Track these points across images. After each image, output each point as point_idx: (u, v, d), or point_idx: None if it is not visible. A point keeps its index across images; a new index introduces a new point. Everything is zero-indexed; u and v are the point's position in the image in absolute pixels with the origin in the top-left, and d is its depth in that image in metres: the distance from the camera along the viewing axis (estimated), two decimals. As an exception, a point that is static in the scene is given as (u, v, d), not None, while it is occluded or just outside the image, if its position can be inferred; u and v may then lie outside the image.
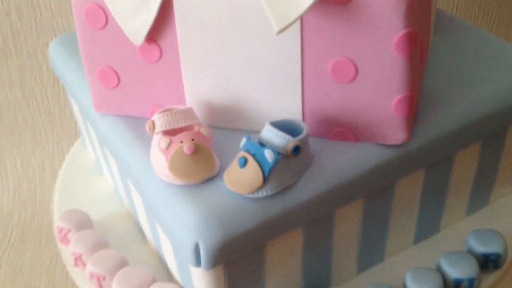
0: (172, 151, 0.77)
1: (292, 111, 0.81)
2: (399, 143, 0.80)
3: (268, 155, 0.73)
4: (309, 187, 0.77)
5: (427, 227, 0.96)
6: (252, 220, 0.74)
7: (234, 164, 0.75)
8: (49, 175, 1.49)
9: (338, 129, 0.81)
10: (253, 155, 0.74)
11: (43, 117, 1.56)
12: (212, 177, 0.74)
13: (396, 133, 0.79)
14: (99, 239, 0.96)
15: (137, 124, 0.87)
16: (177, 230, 0.75)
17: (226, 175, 0.76)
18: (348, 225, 0.86)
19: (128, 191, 0.96)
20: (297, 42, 0.75)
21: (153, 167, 0.80)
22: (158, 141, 0.78)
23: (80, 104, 0.99)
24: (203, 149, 0.78)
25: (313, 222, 0.80)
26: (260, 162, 0.74)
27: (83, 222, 1.00)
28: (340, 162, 0.79)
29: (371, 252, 0.92)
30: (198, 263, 0.74)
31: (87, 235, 0.96)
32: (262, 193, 0.74)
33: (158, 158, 0.79)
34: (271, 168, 0.74)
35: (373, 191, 0.83)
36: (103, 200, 1.09)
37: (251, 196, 0.74)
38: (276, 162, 0.74)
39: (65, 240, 0.99)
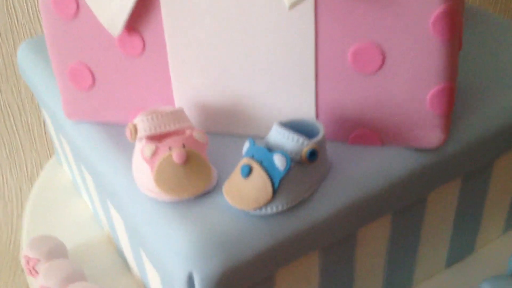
0: (158, 160, 0.63)
1: (304, 110, 0.67)
2: (434, 146, 0.66)
3: (279, 161, 0.59)
4: (328, 202, 0.63)
5: (461, 247, 0.83)
6: (259, 243, 0.60)
7: (236, 174, 0.61)
8: (27, 197, 1.33)
9: (360, 130, 0.67)
10: (260, 162, 0.60)
11: (20, 133, 1.41)
12: (208, 191, 0.64)
13: (432, 134, 0.66)
14: (73, 270, 0.81)
15: (116, 133, 0.74)
16: (166, 258, 0.61)
17: (226, 188, 0.62)
18: (372, 246, 0.72)
19: (108, 213, 0.82)
20: (310, 24, 0.62)
21: (136, 181, 0.66)
22: (141, 148, 0.64)
23: (51, 112, 0.84)
24: (196, 157, 0.63)
25: (332, 244, 0.66)
26: (268, 170, 0.59)
27: (55, 250, 0.85)
28: (363, 171, 0.66)
29: (398, 279, 0.78)
30: (193, 298, 0.59)
31: (59, 266, 0.81)
32: (271, 209, 0.60)
33: (142, 170, 0.64)
34: (282, 178, 0.60)
35: (402, 205, 0.69)
36: (80, 225, 0.95)
37: (258, 213, 0.60)
38: (288, 171, 0.59)
39: (34, 271, 0.84)
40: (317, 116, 0.68)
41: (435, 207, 0.74)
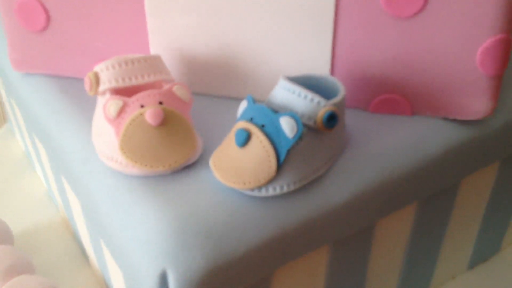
0: (126, 120, 0.48)
1: (315, 65, 0.52)
2: (479, 117, 0.52)
3: (287, 126, 0.44)
4: (344, 184, 0.49)
5: (487, 245, 0.69)
6: (256, 234, 0.45)
7: (229, 143, 0.46)
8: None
9: (386, 95, 0.53)
10: (261, 127, 0.45)
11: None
12: (190, 164, 0.48)
13: (478, 102, 0.52)
14: (19, 260, 0.67)
15: (74, 88, 0.59)
16: (132, 251, 0.46)
17: (214, 160, 0.47)
18: (391, 242, 0.58)
19: (62, 191, 0.66)
20: None
21: (96, 149, 0.50)
22: (104, 105, 0.48)
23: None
24: (176, 118, 0.48)
25: (345, 238, 0.52)
26: (272, 137, 0.45)
27: (1, 235, 0.69)
28: (387, 147, 0.52)
29: (414, 280, 0.64)
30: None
31: (2, 253, 0.65)
32: (273, 190, 0.45)
33: (104, 133, 0.49)
34: (290, 149, 0.45)
35: (431, 192, 0.55)
36: (32, 205, 0.80)
37: (256, 194, 0.45)
38: (299, 139, 0.45)
39: (-30, 261, 0.68)
40: (332, 73, 0.53)
41: (467, 196, 0.61)
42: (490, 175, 0.61)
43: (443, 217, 0.61)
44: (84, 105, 0.57)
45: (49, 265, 0.71)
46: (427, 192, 0.55)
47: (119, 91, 0.51)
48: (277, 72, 0.54)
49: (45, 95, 0.60)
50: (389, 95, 0.53)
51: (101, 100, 0.51)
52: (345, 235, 0.51)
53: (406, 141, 0.52)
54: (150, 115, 0.48)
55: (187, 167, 0.49)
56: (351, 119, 0.53)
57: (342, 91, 0.48)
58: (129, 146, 0.48)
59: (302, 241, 0.48)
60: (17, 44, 0.60)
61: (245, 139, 0.45)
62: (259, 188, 0.45)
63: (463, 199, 0.60)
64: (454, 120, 0.54)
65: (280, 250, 0.47)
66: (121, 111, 0.49)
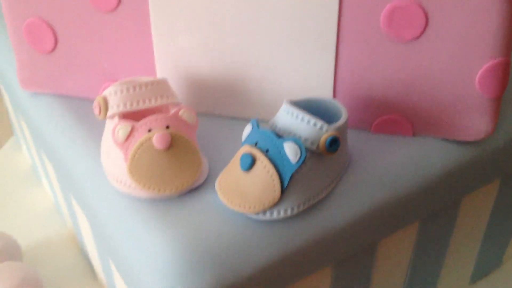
0: (134, 144, 0.49)
1: (318, 87, 0.53)
2: (479, 138, 0.53)
3: (291, 151, 0.45)
4: (347, 204, 0.50)
5: (489, 259, 0.70)
6: (262, 256, 0.46)
7: (234, 166, 0.47)
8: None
9: (387, 116, 0.54)
10: (265, 152, 0.46)
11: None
12: (197, 187, 0.50)
13: (478, 123, 0.53)
14: (27, 275, 0.68)
15: (82, 108, 0.60)
16: (140, 272, 0.47)
17: (220, 184, 0.48)
18: (393, 260, 0.59)
19: (71, 208, 0.67)
20: (335, -25, 0.48)
21: (105, 171, 0.52)
22: (113, 129, 0.50)
23: (6, 83, 0.69)
24: (183, 142, 0.49)
25: (348, 257, 0.53)
26: (276, 162, 0.46)
27: (7, 251, 0.71)
28: (389, 168, 0.53)
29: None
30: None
31: (10, 269, 0.67)
32: (278, 213, 0.46)
33: (113, 157, 0.50)
34: (294, 173, 0.46)
35: (432, 211, 0.55)
36: (39, 218, 0.82)
37: (261, 217, 0.46)
38: (302, 164, 0.46)
39: (-21, 276, 0.69)
40: (334, 95, 0.54)
41: (468, 213, 0.62)
42: (491, 193, 0.62)
43: (445, 235, 0.62)
44: (92, 125, 0.58)
45: (57, 280, 0.73)
46: (429, 211, 0.56)
47: (127, 115, 0.52)
48: (280, 93, 0.55)
49: (54, 115, 0.61)
50: (390, 116, 0.54)
51: (109, 124, 0.52)
52: (348, 255, 0.52)
53: (408, 161, 0.53)
54: (157, 140, 0.49)
55: (194, 190, 0.50)
56: (353, 139, 0.54)
57: (344, 115, 0.49)
58: (137, 170, 0.49)
59: (306, 263, 0.49)
60: (25, 64, 0.62)
61: (250, 163, 0.46)
62: (264, 211, 0.46)
63: (464, 216, 0.61)
64: (455, 140, 0.55)
65: (285, 271, 0.48)
66: (129, 135, 0.50)
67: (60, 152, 0.59)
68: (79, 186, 0.56)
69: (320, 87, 0.54)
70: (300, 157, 0.46)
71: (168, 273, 0.45)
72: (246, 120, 0.56)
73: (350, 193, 0.51)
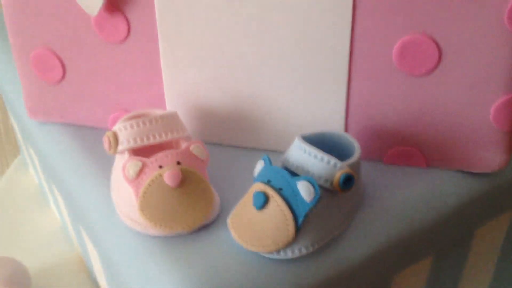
0: (145, 181, 0.48)
1: (330, 119, 0.53)
2: (493, 170, 0.53)
3: (305, 190, 0.45)
4: (362, 241, 0.50)
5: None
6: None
7: (247, 204, 0.47)
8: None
9: (400, 148, 0.53)
10: (279, 191, 0.45)
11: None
12: (208, 224, 0.49)
13: (491, 155, 0.52)
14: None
15: (91, 138, 0.59)
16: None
17: (233, 221, 0.48)
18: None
19: (79, 235, 0.67)
20: (345, 7, 0.47)
21: (116, 207, 0.51)
22: (123, 166, 0.49)
23: (13, 109, 0.69)
24: (194, 178, 0.49)
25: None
26: (290, 201, 0.45)
27: (16, 276, 0.70)
28: (403, 200, 0.52)
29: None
30: None
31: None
32: (292, 253, 0.46)
33: (123, 193, 0.50)
34: (308, 212, 0.45)
35: (447, 243, 0.55)
36: (46, 242, 0.80)
37: (275, 257, 0.46)
38: (317, 202, 0.45)
39: (-12, 304, 0.69)
40: (346, 127, 0.54)
41: (481, 245, 0.61)
42: (503, 224, 0.62)
43: (457, 268, 0.61)
44: (101, 156, 0.57)
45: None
46: (443, 245, 0.55)
47: (137, 151, 0.51)
48: (292, 124, 0.54)
49: (62, 144, 0.60)
50: (403, 147, 0.54)
51: (119, 159, 0.51)
52: (362, 288, 0.52)
53: (422, 194, 0.53)
54: (168, 177, 0.48)
55: (205, 226, 0.50)
56: (365, 171, 0.54)
57: (357, 150, 0.49)
58: (148, 207, 0.48)
59: (320, 301, 0.48)
60: (33, 94, 0.61)
61: (263, 202, 0.46)
62: (278, 251, 0.46)
63: (477, 249, 0.61)
64: (468, 172, 0.54)
65: (298, 309, 0.47)
66: (140, 172, 0.49)
67: (69, 183, 0.58)
68: (88, 219, 0.55)
69: (332, 119, 0.53)
70: (314, 196, 0.45)
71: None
72: (256, 150, 0.55)
73: (365, 228, 0.50)
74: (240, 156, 0.56)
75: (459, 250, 0.59)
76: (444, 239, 0.55)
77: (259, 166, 0.49)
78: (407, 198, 0.52)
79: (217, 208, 0.50)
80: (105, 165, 0.56)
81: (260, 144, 0.56)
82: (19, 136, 0.85)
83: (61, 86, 0.59)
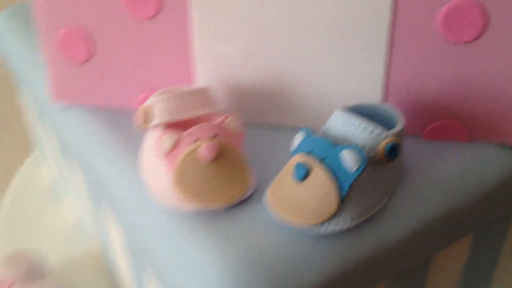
0: (180, 155, 0.46)
1: (367, 91, 0.51)
2: (540, 143, 0.51)
3: (350, 159, 0.43)
4: (406, 216, 0.48)
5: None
6: (318, 273, 0.44)
7: (285, 177, 0.45)
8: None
9: (441, 121, 0.51)
10: (321, 161, 0.43)
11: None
12: (245, 200, 0.48)
13: (539, 127, 0.50)
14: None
15: (118, 120, 0.57)
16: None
17: (271, 196, 0.46)
18: (445, 276, 0.56)
19: (101, 225, 0.65)
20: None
21: (147, 185, 0.49)
22: (157, 140, 0.47)
23: (33, 95, 0.67)
24: (231, 152, 0.47)
25: (403, 274, 0.50)
26: (333, 172, 0.43)
27: (35, 270, 0.68)
28: (445, 176, 0.50)
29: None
30: None
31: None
32: (335, 226, 0.44)
33: (156, 169, 0.48)
34: (352, 183, 0.43)
35: (489, 220, 0.53)
36: (61, 238, 0.79)
37: (317, 231, 0.44)
38: (362, 172, 0.43)
39: (9, 296, 0.67)
40: (385, 99, 0.52)
41: (522, 222, 0.59)
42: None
43: (498, 245, 0.59)
44: (129, 137, 0.56)
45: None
46: (484, 221, 0.53)
47: (170, 125, 0.49)
48: (328, 99, 0.53)
49: (88, 127, 0.59)
50: (444, 121, 0.52)
51: (152, 135, 0.49)
52: (403, 270, 0.49)
53: (464, 169, 0.51)
54: (205, 150, 0.46)
55: (242, 202, 0.48)
56: (405, 146, 0.52)
57: (401, 120, 0.47)
58: (183, 182, 0.46)
59: (362, 278, 0.46)
60: (58, 76, 0.59)
61: (304, 173, 0.44)
62: (321, 224, 0.44)
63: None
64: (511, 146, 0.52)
65: (339, 287, 0.45)
66: (175, 146, 0.47)
67: (96, 165, 0.56)
68: (117, 201, 0.53)
69: (370, 93, 0.51)
70: (360, 166, 0.43)
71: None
72: (291, 129, 0.53)
73: (408, 202, 0.48)
74: (274, 135, 0.54)
75: (500, 227, 0.56)
76: (486, 215, 0.52)
77: (298, 138, 0.47)
78: (448, 174, 0.50)
79: (254, 184, 0.48)
80: (132, 144, 0.54)
81: (295, 122, 0.54)
82: (36, 125, 0.83)
83: (88, 66, 0.58)
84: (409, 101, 0.51)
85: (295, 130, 0.50)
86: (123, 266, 0.65)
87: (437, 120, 0.52)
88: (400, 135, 0.46)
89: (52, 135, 0.73)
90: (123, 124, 0.57)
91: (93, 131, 0.58)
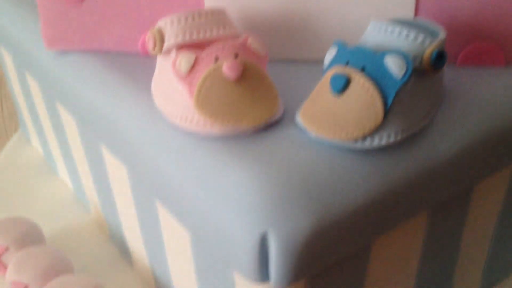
0: (200, 75, 0.42)
1: (399, 9, 0.47)
2: None
3: (395, 65, 0.39)
4: (451, 134, 0.43)
5: None
6: (362, 191, 0.39)
7: (322, 91, 0.41)
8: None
9: (475, 44, 0.48)
10: (362, 70, 0.39)
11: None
12: (273, 124, 0.43)
13: None
14: (57, 259, 0.59)
15: (116, 61, 0.53)
16: (221, 219, 0.39)
17: (305, 114, 0.42)
18: (486, 207, 0.52)
19: (103, 180, 0.60)
20: None
21: (164, 113, 0.44)
22: (174, 61, 0.43)
23: (18, 45, 0.62)
24: (256, 72, 0.43)
25: (444, 204, 0.46)
26: (376, 80, 0.39)
27: (29, 235, 0.62)
28: (484, 101, 0.46)
29: (501, 259, 0.58)
30: (264, 274, 0.38)
31: (37, 254, 0.59)
32: (380, 140, 0.40)
33: (174, 95, 0.43)
34: (398, 91, 0.39)
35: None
36: (59, 209, 0.73)
37: (359, 146, 0.40)
38: (408, 79, 0.39)
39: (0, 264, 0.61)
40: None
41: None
42: None
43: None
44: (133, 75, 0.51)
45: (86, 266, 0.64)
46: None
47: (183, 47, 0.45)
48: (356, 21, 0.49)
49: (88, 71, 0.54)
50: (480, 44, 0.48)
51: (165, 59, 0.45)
52: (446, 195, 0.45)
53: (503, 93, 0.47)
54: (228, 68, 0.42)
55: (269, 126, 0.43)
56: (439, 73, 0.48)
57: (442, 30, 0.43)
58: (206, 103, 0.42)
59: (406, 201, 0.42)
60: (52, 19, 0.54)
61: (343, 84, 0.40)
62: (363, 138, 0.40)
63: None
64: (551, 69, 0.49)
65: (384, 209, 0.41)
66: (193, 66, 0.43)
67: (103, 107, 0.51)
68: (130, 140, 0.48)
69: (400, 11, 0.48)
70: (406, 72, 0.39)
71: (256, 216, 0.38)
72: (314, 63, 0.49)
73: (451, 122, 0.44)
74: (295, 70, 0.50)
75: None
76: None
77: (331, 52, 0.43)
78: (488, 99, 0.47)
79: (281, 107, 0.44)
80: (138, 80, 0.50)
81: (320, 53, 0.50)
82: (17, 93, 0.77)
83: (84, 6, 0.53)
84: (442, 22, 0.48)
85: (319, 63, 0.46)
86: (130, 221, 0.59)
87: (472, 43, 0.48)
88: (443, 44, 0.42)
89: (36, 91, 0.68)
90: (124, 63, 0.53)
91: (94, 73, 0.54)
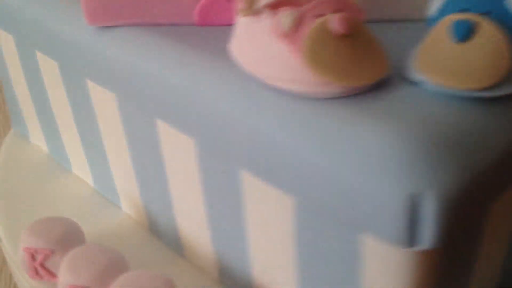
0: (306, 32, 0.39)
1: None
2: None
3: (523, 6, 0.37)
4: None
5: None
6: (497, 141, 0.37)
7: (438, 40, 0.39)
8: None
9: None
10: (486, 15, 0.37)
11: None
12: (382, 82, 0.41)
13: None
14: (113, 258, 0.54)
15: (174, 35, 0.48)
16: (362, 182, 0.36)
17: (422, 65, 0.39)
18: None
19: (156, 160, 0.55)
20: None
21: (259, 76, 0.41)
22: (276, 19, 0.40)
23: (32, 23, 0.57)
24: (361, 27, 0.40)
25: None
26: (504, 26, 0.37)
27: (72, 235, 0.57)
28: None
29: None
30: (412, 236, 0.35)
31: (91, 255, 0.53)
32: (508, 87, 0.38)
33: (272, 55, 0.40)
34: (527, 35, 0.38)
35: None
36: (85, 205, 0.67)
37: (488, 94, 0.38)
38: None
39: (44, 270, 0.55)
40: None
41: None
42: None
43: None
44: (199, 45, 0.47)
45: (138, 265, 0.59)
46: None
47: (276, 6, 0.42)
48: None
49: (145, 46, 0.50)
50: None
51: (253, 21, 0.42)
52: None
53: None
54: (338, 22, 0.39)
55: (380, 84, 0.41)
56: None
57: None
58: (317, 61, 0.39)
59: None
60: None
61: (467, 31, 0.38)
62: (492, 87, 0.38)
63: None
64: None
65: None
66: (296, 23, 0.40)
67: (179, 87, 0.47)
68: (219, 113, 0.44)
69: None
70: (534, 13, 0.38)
71: (408, 176, 0.35)
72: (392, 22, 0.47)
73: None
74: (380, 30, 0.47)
75: None
76: None
77: (438, 2, 0.41)
78: None
79: (389, 64, 0.42)
80: (209, 53, 0.46)
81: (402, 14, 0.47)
82: (21, 90, 0.71)
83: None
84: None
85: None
86: (188, 205, 0.54)
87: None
88: None
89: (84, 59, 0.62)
90: (186, 36, 0.49)
91: (145, 51, 0.49)
